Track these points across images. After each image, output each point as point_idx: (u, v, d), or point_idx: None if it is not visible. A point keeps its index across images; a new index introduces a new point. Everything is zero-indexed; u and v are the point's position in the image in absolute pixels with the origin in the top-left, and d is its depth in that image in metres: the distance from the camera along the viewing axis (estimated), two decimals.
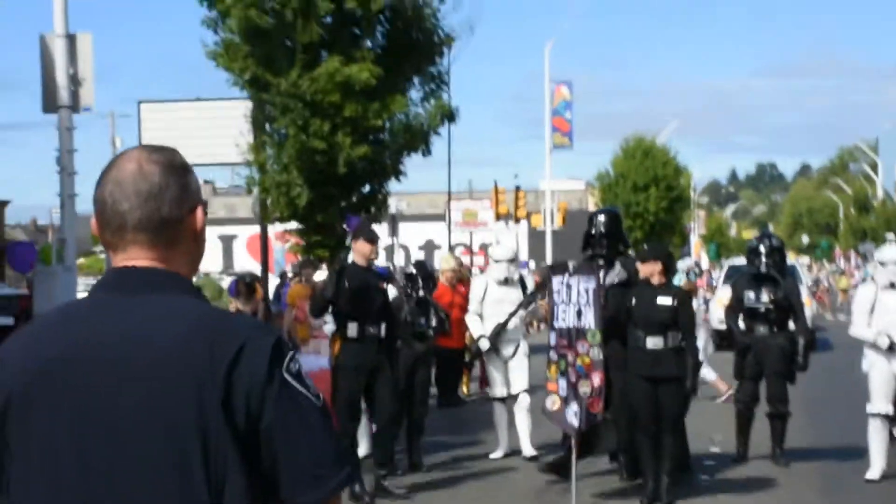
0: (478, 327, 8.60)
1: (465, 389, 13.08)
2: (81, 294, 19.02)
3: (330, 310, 7.61)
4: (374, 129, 16.15)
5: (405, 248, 39.50)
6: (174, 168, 1.79)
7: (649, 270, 7.24)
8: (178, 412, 1.67)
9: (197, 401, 1.66)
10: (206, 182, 55.39)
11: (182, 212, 1.79)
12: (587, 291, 7.01)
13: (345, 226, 14.41)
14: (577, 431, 6.99)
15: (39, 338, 1.74)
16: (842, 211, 71.02)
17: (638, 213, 41.64)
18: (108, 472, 1.66)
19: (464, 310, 12.07)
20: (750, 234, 77.81)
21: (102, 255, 52.84)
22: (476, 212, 34.29)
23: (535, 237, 37.90)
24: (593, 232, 7.61)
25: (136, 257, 1.77)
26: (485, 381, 11.93)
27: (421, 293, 8.45)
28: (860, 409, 8.40)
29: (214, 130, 18.11)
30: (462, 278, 12.62)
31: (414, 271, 8.62)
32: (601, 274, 7.39)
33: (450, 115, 16.87)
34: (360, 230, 7.69)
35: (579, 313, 7.01)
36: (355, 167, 15.89)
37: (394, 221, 25.29)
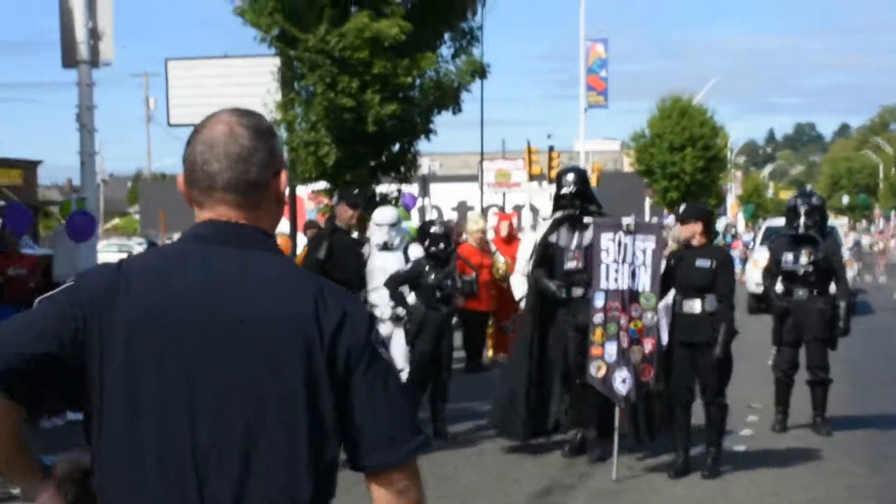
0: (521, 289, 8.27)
1: (489, 354, 12.76)
2: (106, 255, 18.76)
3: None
4: (403, 87, 15.82)
5: (437, 209, 39.12)
6: (262, 132, 1.86)
7: (690, 231, 6.80)
8: (288, 368, 1.75)
9: (306, 358, 1.75)
10: None
11: (268, 175, 1.86)
12: (645, 252, 6.61)
13: (402, 203, 14.06)
14: (624, 400, 6.65)
15: (164, 280, 1.78)
16: (882, 171, 69.61)
17: (674, 174, 40.94)
18: (219, 419, 1.73)
19: (490, 272, 11.78)
20: (787, 194, 76.70)
21: (137, 217, 53.20)
22: (509, 172, 33.83)
23: None
24: (563, 192, 7.27)
25: (223, 215, 1.84)
26: (499, 347, 11.59)
27: (444, 253, 8.08)
28: None
29: (242, 88, 17.79)
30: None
31: (437, 230, 8.24)
32: (575, 234, 7.12)
33: (481, 72, 16.49)
34: (344, 195, 7.55)
35: (633, 274, 6.61)
36: (384, 125, 15.60)
37: (425, 182, 24.98)
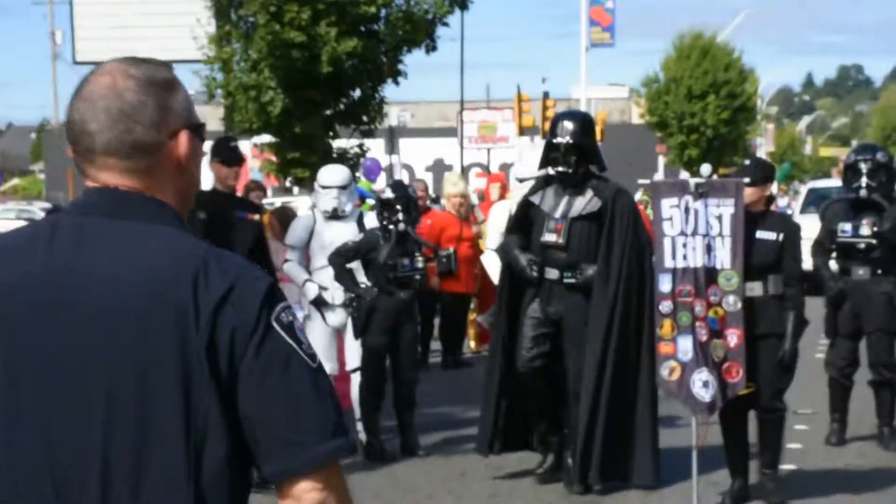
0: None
1: (471, 345, 12.47)
2: (8, 221, 18.56)
3: None
4: (365, 19, 15.69)
5: (408, 169, 38.88)
6: (155, 83, 1.85)
7: (756, 195, 6.35)
8: (156, 359, 1.74)
9: (179, 347, 1.74)
10: None
11: (160, 135, 1.85)
12: (721, 218, 6.14)
13: (359, 173, 13.85)
14: (707, 409, 6.18)
15: (24, 256, 1.81)
16: None
17: (693, 127, 40.73)
18: (68, 425, 1.74)
19: (474, 245, 11.47)
20: (829, 151, 77.20)
21: (42, 176, 52.66)
22: (495, 124, 33.65)
23: None
24: (557, 141, 6.54)
25: (107, 183, 1.85)
26: (484, 337, 11.29)
27: (401, 226, 7.63)
28: None
29: (165, 18, 17.79)
30: (471, 207, 11.93)
31: (391, 196, 7.81)
32: (563, 200, 6.58)
33: (461, 2, 16.32)
34: (217, 148, 7.04)
35: (709, 248, 6.16)
36: (342, 66, 15.42)
37: (392, 135, 24.66)
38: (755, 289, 6.29)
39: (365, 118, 16.67)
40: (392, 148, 24.91)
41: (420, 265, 7.64)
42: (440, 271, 11.11)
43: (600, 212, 6.53)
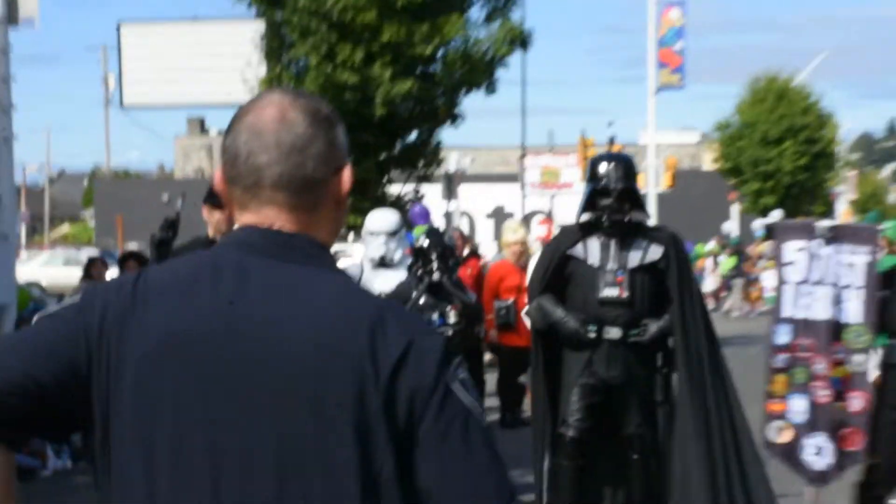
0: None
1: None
2: (48, 271, 18.50)
3: None
4: (421, 59, 15.81)
5: (468, 216, 38.75)
6: (321, 118, 1.88)
7: None
8: (334, 416, 1.74)
9: (357, 404, 1.74)
10: (219, 133, 55.65)
11: (328, 171, 1.87)
12: (854, 268, 5.78)
13: (410, 215, 13.76)
14: (819, 478, 5.81)
15: (162, 297, 1.81)
16: None
17: (769, 173, 40.44)
18: (238, 483, 1.75)
19: None
20: None
21: (92, 223, 53.31)
22: (558, 170, 33.49)
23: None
24: (604, 186, 6.17)
25: (271, 219, 1.85)
26: None
27: (435, 276, 7.37)
28: None
29: (215, 60, 17.57)
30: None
31: (425, 245, 7.60)
32: (614, 250, 6.18)
33: (522, 41, 16.33)
34: (211, 190, 6.51)
35: (837, 299, 5.82)
36: (397, 108, 15.60)
37: (449, 181, 24.51)
38: None
39: (421, 162, 16.73)
40: (450, 194, 24.81)
41: (453, 320, 7.37)
42: (499, 323, 10.93)
43: (659, 260, 6.20)
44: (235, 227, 1.93)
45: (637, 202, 6.28)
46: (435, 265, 7.26)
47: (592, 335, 6.12)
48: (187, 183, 49.87)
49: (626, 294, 6.11)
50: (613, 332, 6.13)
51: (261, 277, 1.83)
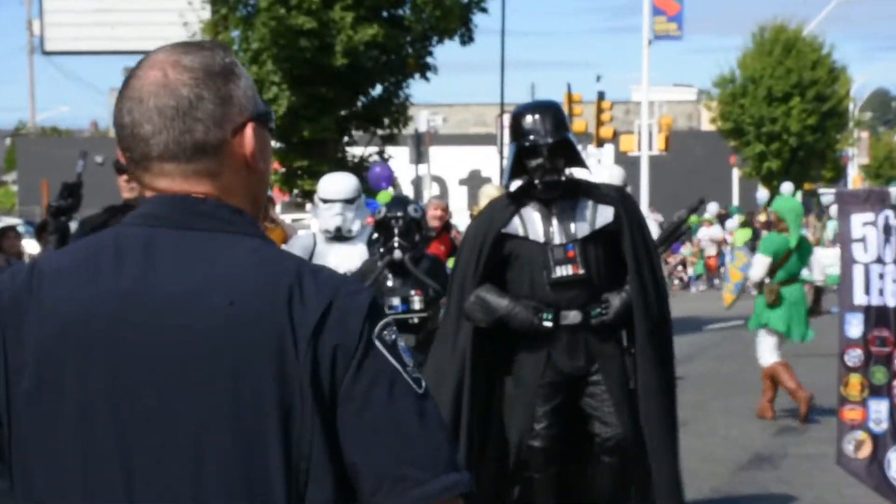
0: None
1: None
2: None
3: None
4: (388, 2, 15.72)
5: (440, 182, 38.57)
6: (211, 74, 1.88)
7: None
8: (252, 388, 1.79)
9: (277, 374, 1.78)
10: None
11: (223, 132, 1.89)
12: None
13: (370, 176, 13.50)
14: None
15: (59, 282, 1.86)
16: None
17: (774, 134, 40.55)
18: (151, 467, 1.79)
19: None
20: None
21: (15, 188, 52.81)
22: None
23: (626, 166, 36.87)
24: (531, 142, 5.66)
25: (165, 187, 1.89)
26: None
27: (396, 254, 7.01)
28: None
29: (152, 2, 17.33)
30: None
31: (386, 215, 7.28)
32: (556, 218, 5.71)
33: None
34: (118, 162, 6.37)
35: None
36: (360, 57, 15.37)
37: (419, 142, 24.25)
38: None
39: (386, 120, 16.60)
40: (419, 157, 24.55)
41: (417, 307, 7.00)
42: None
43: (610, 224, 5.73)
44: (142, 197, 1.97)
45: (573, 156, 5.80)
46: (396, 241, 6.91)
47: (549, 324, 5.69)
48: None
49: (581, 270, 5.67)
50: (573, 317, 5.70)
51: (168, 250, 1.86)
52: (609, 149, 33.70)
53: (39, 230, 11.43)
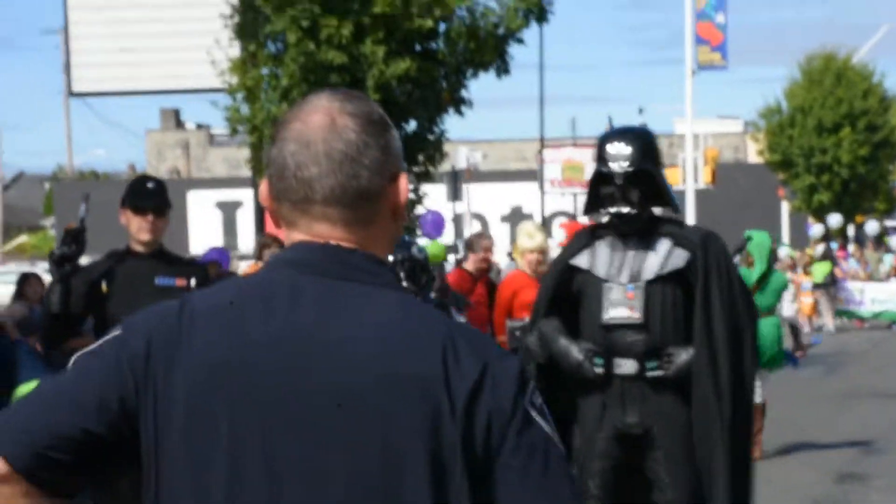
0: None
1: None
2: (7, 286, 18.03)
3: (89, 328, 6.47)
4: (420, 35, 15.44)
5: (480, 219, 38.38)
6: (374, 122, 1.96)
7: None
8: (405, 443, 1.83)
9: (431, 432, 1.83)
10: (198, 127, 55.44)
11: (383, 181, 1.96)
12: None
13: (422, 224, 13.25)
14: None
15: (210, 324, 1.91)
16: None
17: (824, 166, 40.35)
18: (307, 500, 1.84)
19: None
20: None
21: (53, 232, 53.02)
22: (582, 165, 33.27)
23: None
24: (608, 170, 5.31)
25: (324, 237, 1.95)
26: None
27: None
28: None
29: (179, 40, 17.19)
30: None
31: (406, 255, 6.98)
32: (628, 256, 5.36)
33: (538, 13, 15.92)
34: (128, 194, 6.31)
35: None
36: (392, 92, 15.19)
37: (456, 179, 24.02)
38: None
39: (421, 157, 16.33)
40: (455, 194, 24.32)
41: None
42: (512, 347, 10.28)
43: (686, 268, 5.32)
44: (286, 244, 2.02)
45: (657, 190, 5.40)
46: (403, 285, 6.60)
47: (599, 370, 5.32)
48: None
49: (638, 314, 5.28)
50: (627, 366, 5.32)
51: (317, 298, 1.91)
52: None
53: (20, 283, 11.31)
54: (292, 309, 1.91)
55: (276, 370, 1.88)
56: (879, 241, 36.84)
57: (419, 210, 16.25)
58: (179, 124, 58.41)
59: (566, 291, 5.45)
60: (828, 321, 26.99)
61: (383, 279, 1.96)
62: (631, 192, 5.25)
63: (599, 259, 5.36)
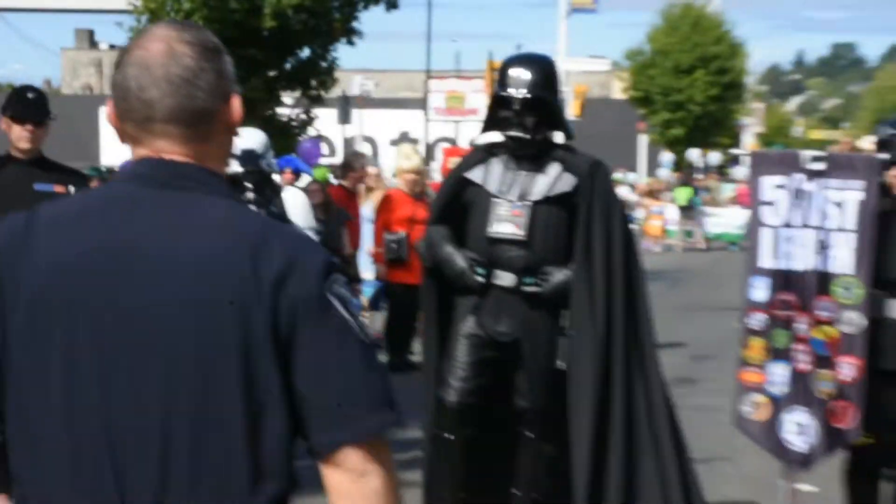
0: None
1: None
2: None
3: None
4: None
5: (371, 142, 37.99)
6: (209, 50, 2.03)
7: None
8: (217, 333, 1.91)
9: (240, 321, 1.90)
10: (111, 47, 53.99)
11: (218, 101, 2.03)
12: (843, 206, 4.89)
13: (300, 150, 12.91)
14: (800, 462, 5.01)
15: (82, 230, 1.97)
16: None
17: (679, 103, 40.45)
18: (136, 399, 1.91)
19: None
20: (820, 133, 76.97)
21: None
22: (464, 95, 33.21)
23: None
24: (508, 95, 5.09)
25: (165, 152, 2.01)
26: None
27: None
28: None
29: None
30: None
31: (237, 172, 6.69)
32: (519, 176, 5.15)
33: None
34: (8, 100, 5.94)
35: (823, 245, 4.96)
36: (288, 21, 14.89)
37: (346, 104, 23.63)
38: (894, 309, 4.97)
39: (314, 82, 16.01)
40: (345, 118, 23.95)
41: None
42: (388, 258, 10.15)
43: (572, 193, 5.13)
44: (132, 159, 2.06)
45: (552, 117, 5.20)
46: (250, 195, 6.32)
47: (480, 279, 5.15)
48: (75, 99, 48.39)
49: (521, 232, 5.10)
50: (504, 279, 5.15)
51: (150, 206, 1.96)
52: None
53: None
54: (127, 217, 1.96)
55: (108, 273, 1.93)
56: (721, 171, 37.42)
57: (310, 131, 16.03)
58: (93, 44, 57.22)
59: (458, 202, 5.27)
60: (677, 242, 27.29)
61: (213, 188, 2.01)
62: (527, 117, 5.05)
63: (492, 176, 5.16)
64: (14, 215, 2.01)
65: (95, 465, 1.93)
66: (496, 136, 5.18)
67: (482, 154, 5.24)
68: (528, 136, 5.06)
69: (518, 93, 5.02)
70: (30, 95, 5.93)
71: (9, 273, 1.95)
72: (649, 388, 5.06)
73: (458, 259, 5.14)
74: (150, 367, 1.91)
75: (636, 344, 5.07)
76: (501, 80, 5.14)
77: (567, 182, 5.08)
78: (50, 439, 1.95)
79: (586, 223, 5.04)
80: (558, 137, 5.23)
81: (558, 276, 5.06)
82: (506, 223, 5.09)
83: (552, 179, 5.10)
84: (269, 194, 6.48)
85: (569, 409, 5.00)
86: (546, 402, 5.09)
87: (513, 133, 5.06)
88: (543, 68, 5.18)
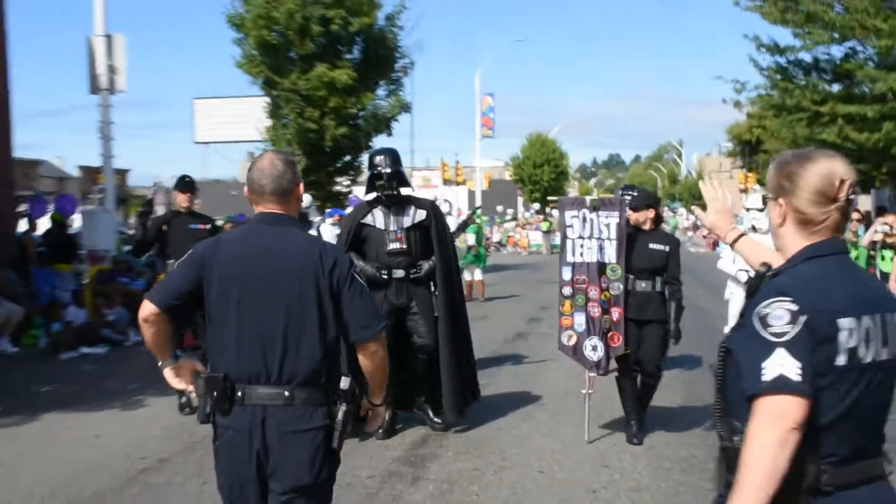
0: None
1: None
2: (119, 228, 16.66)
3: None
4: (351, 116, 14.67)
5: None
6: (289, 162, 2.11)
7: (643, 217, 4.78)
8: (307, 288, 2.01)
9: (316, 282, 2.02)
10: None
11: (293, 185, 2.11)
12: (609, 226, 4.58)
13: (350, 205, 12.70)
14: (595, 366, 4.61)
15: (241, 243, 2.06)
16: (660, 182, 71.02)
17: (536, 181, 40.53)
18: (271, 316, 2.00)
19: None
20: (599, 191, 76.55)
21: None
22: (430, 178, 32.70)
23: (471, 195, 36.35)
24: (379, 171, 4.62)
25: (269, 209, 2.09)
26: None
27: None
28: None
29: (243, 118, 16.38)
30: None
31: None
32: (393, 216, 4.67)
33: (405, 107, 15.33)
34: (177, 182, 5.72)
35: (600, 248, 4.59)
36: (338, 143, 14.49)
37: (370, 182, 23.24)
38: (646, 286, 4.63)
39: (351, 172, 15.65)
40: (368, 191, 23.49)
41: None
42: None
43: (425, 219, 4.74)
44: (256, 213, 2.10)
45: (402, 180, 4.69)
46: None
47: (385, 276, 4.71)
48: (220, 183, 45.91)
49: (404, 246, 4.68)
50: (399, 273, 4.72)
51: (269, 232, 2.05)
52: (463, 187, 33.19)
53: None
54: (259, 238, 2.06)
55: (256, 263, 2.02)
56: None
57: (351, 196, 15.86)
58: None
59: (356, 238, 4.74)
60: (543, 250, 25.23)
61: (294, 225, 2.10)
62: (391, 182, 4.65)
63: (377, 218, 4.72)
64: (208, 240, 2.12)
65: (251, 349, 1.99)
66: (373, 195, 4.74)
67: (367, 208, 4.77)
68: (394, 192, 4.67)
69: (385, 169, 4.62)
70: (187, 179, 5.69)
71: (210, 262, 2.04)
72: (464, 321, 4.92)
73: (369, 268, 4.71)
74: (277, 302, 1.99)
75: (461, 299, 4.92)
76: (372, 164, 4.68)
77: (420, 214, 4.74)
78: (228, 337, 2.01)
79: (440, 236, 4.79)
80: (407, 190, 4.79)
81: (427, 266, 4.77)
82: (395, 243, 4.71)
83: (412, 214, 4.73)
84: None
85: (440, 338, 4.75)
86: (434, 340, 4.74)
87: (386, 192, 4.66)
88: (394, 154, 4.71)
